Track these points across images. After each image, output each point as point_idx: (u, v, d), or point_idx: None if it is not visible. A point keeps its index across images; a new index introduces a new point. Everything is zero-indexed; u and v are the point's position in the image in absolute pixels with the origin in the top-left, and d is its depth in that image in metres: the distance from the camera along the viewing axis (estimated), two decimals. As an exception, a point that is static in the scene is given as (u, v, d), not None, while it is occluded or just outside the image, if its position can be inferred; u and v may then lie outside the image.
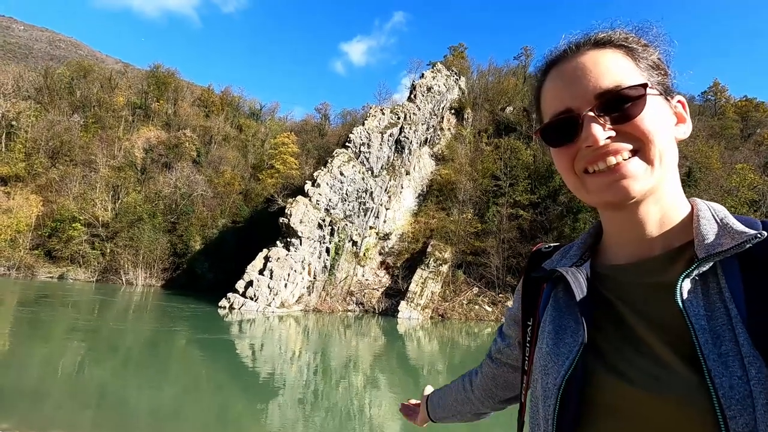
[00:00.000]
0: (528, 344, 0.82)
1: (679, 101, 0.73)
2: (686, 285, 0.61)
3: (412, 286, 32.66)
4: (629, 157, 0.66)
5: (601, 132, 0.65)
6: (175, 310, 25.00)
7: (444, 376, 14.27)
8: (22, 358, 11.28)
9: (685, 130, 0.73)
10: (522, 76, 57.76)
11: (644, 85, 0.66)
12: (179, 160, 50.42)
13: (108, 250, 40.78)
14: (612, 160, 0.65)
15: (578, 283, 0.73)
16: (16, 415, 7.36)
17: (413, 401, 1.46)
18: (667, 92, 0.71)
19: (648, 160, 0.66)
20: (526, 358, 0.82)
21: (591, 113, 0.66)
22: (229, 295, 28.11)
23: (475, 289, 34.16)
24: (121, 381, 10.35)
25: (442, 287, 33.76)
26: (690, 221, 0.70)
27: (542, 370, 0.72)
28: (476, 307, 32.79)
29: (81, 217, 41.11)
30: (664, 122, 0.68)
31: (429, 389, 1.40)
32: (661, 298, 0.64)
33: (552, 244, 0.92)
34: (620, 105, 0.65)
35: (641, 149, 0.66)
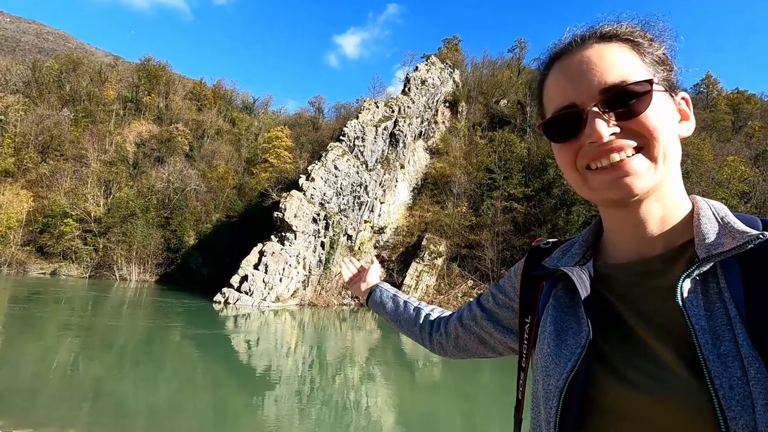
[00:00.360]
0: (525, 342, 0.82)
1: (683, 98, 0.72)
2: (687, 285, 0.61)
3: (407, 280, 32.78)
4: (633, 154, 0.65)
5: (606, 128, 0.64)
6: (170, 305, 24.91)
7: (439, 369, 14.38)
8: (15, 356, 11.20)
9: (689, 127, 0.72)
10: (516, 68, 57.65)
11: (650, 81, 0.64)
12: (172, 155, 49.97)
13: (101, 246, 40.47)
14: (615, 157, 0.64)
15: (583, 283, 0.71)
16: (11, 413, 7.32)
17: (359, 267, 1.59)
18: (671, 88, 0.70)
19: (652, 158, 0.65)
20: (524, 356, 0.81)
21: (595, 109, 0.64)
22: (224, 289, 28.05)
23: (470, 282, 34.36)
24: (117, 378, 10.31)
25: (437, 280, 33.92)
26: (691, 220, 0.69)
27: (543, 371, 0.71)
28: (471, 299, 32.96)
29: (73, 213, 40.72)
30: (668, 119, 0.67)
31: (377, 275, 1.52)
32: (662, 298, 0.63)
33: (550, 240, 0.91)
34: (625, 101, 0.64)
35: (645, 146, 0.65)
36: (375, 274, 1.51)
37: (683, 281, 0.61)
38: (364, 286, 1.46)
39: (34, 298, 23.57)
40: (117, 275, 39.34)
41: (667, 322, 0.62)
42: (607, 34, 0.68)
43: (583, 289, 0.71)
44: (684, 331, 0.59)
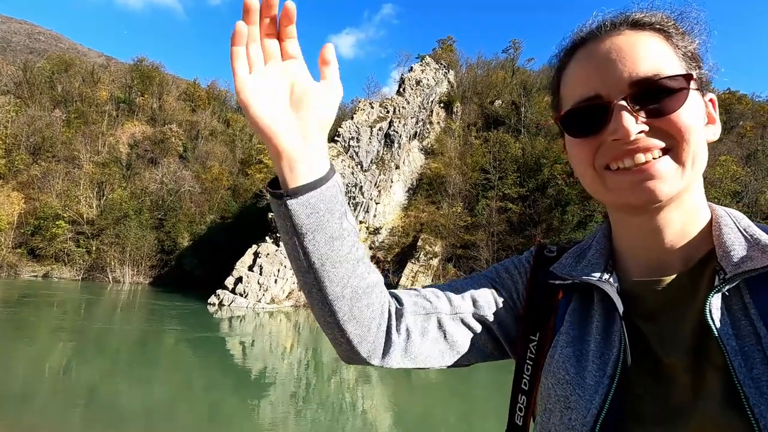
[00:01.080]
0: (530, 362, 0.71)
1: (710, 99, 0.65)
2: (715, 302, 0.55)
3: (403, 280, 32.80)
4: (659, 156, 0.58)
5: (634, 125, 0.57)
6: (164, 307, 24.75)
7: (435, 370, 14.39)
8: (7, 360, 11.06)
9: (715, 131, 0.64)
10: (511, 69, 57.92)
11: (688, 77, 0.58)
12: (165, 156, 49.72)
13: (93, 248, 40.15)
14: (641, 157, 0.58)
15: (617, 299, 0.63)
16: (4, 417, 7.23)
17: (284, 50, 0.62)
18: (701, 88, 0.63)
19: (680, 161, 0.58)
20: (526, 377, 0.71)
21: (623, 102, 0.57)
22: (219, 291, 27.91)
23: (466, 282, 34.52)
24: (111, 382, 10.22)
25: (432, 281, 33.96)
26: (710, 229, 0.63)
27: (562, 402, 0.62)
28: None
29: (65, 215, 40.37)
30: (700, 121, 0.60)
31: (330, 115, 0.62)
32: (688, 317, 0.58)
33: (553, 248, 0.82)
34: (657, 96, 0.57)
35: (673, 148, 0.58)
36: (327, 111, 0.61)
37: (712, 298, 0.55)
38: (288, 141, 0.58)
39: (25, 301, 23.32)
40: (110, 277, 39.03)
41: (696, 344, 0.56)
42: (640, 21, 0.61)
43: (620, 306, 0.62)
44: (714, 352, 0.53)
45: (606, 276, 0.67)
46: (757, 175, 35.02)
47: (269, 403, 9.49)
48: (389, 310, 0.72)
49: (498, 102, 51.21)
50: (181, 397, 9.52)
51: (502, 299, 0.78)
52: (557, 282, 0.71)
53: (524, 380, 0.71)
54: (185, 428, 7.73)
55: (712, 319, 0.54)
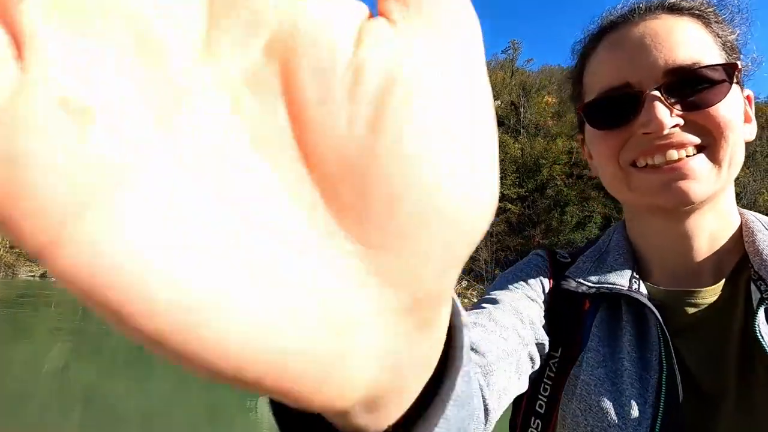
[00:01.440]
0: (548, 380, 0.62)
1: (747, 96, 0.59)
2: (761, 317, 0.50)
3: (402, 281, 32.89)
4: (694, 154, 0.52)
5: (668, 117, 0.51)
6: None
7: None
8: (5, 360, 11.05)
9: (752, 131, 0.59)
10: (510, 70, 58.01)
11: (731, 67, 0.52)
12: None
13: (92, 248, 40.23)
14: (674, 154, 0.52)
15: (657, 313, 0.56)
16: (2, 417, 7.21)
17: None
18: (740, 82, 0.57)
19: (716, 160, 0.52)
20: (542, 399, 0.62)
21: (657, 92, 0.52)
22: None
23: (464, 283, 34.50)
24: (109, 382, 10.21)
25: (431, 281, 34.07)
26: (740, 235, 0.58)
27: None
28: (465, 300, 33.13)
29: (63, 215, 40.45)
30: (739, 117, 0.54)
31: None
32: (728, 333, 0.53)
33: (565, 254, 0.72)
34: (695, 87, 0.52)
35: (710, 146, 0.52)
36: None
37: (759, 311, 0.50)
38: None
39: (23, 301, 23.30)
40: (109, 277, 39.12)
41: (741, 362, 0.51)
42: (678, 5, 0.56)
43: (660, 320, 0.56)
44: (764, 372, 0.49)
45: (635, 284, 0.60)
46: (756, 176, 35.19)
47: (268, 401, 9.48)
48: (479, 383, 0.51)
49: (497, 102, 51.29)
50: (179, 397, 9.51)
51: (542, 313, 0.65)
52: (581, 290, 0.62)
53: (540, 401, 0.62)
54: (183, 428, 7.72)
55: (761, 335, 0.49)
